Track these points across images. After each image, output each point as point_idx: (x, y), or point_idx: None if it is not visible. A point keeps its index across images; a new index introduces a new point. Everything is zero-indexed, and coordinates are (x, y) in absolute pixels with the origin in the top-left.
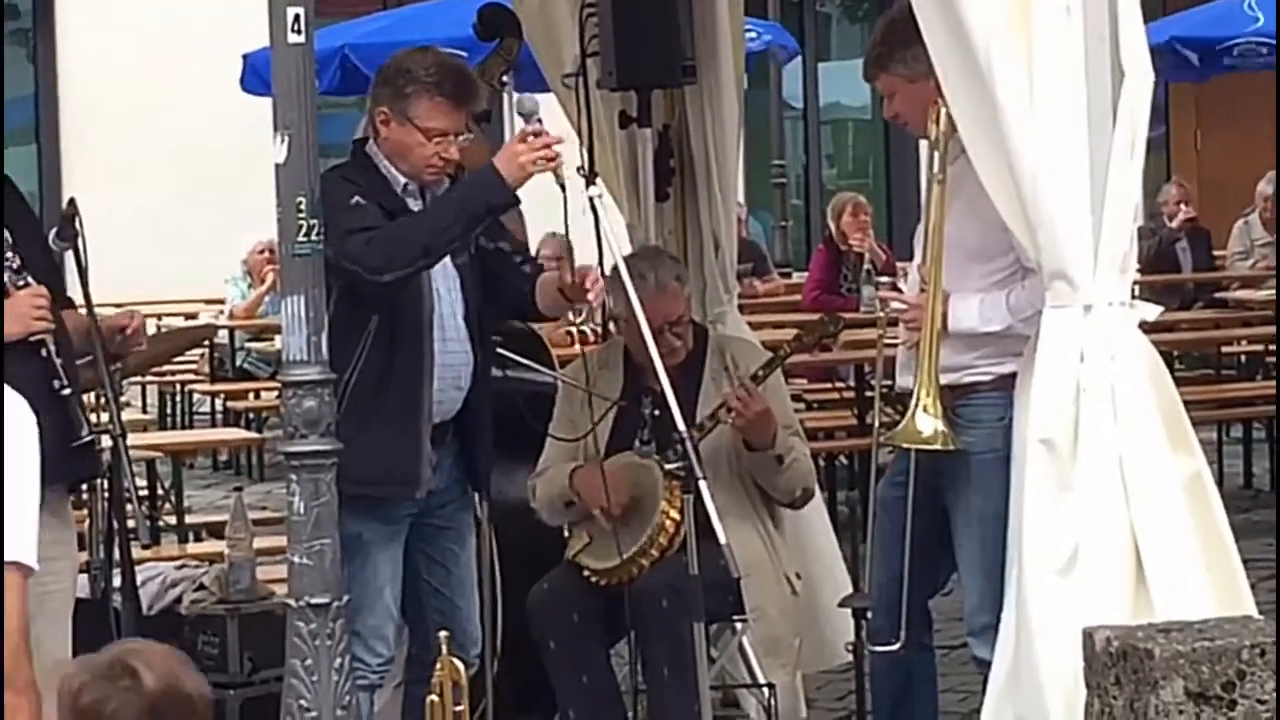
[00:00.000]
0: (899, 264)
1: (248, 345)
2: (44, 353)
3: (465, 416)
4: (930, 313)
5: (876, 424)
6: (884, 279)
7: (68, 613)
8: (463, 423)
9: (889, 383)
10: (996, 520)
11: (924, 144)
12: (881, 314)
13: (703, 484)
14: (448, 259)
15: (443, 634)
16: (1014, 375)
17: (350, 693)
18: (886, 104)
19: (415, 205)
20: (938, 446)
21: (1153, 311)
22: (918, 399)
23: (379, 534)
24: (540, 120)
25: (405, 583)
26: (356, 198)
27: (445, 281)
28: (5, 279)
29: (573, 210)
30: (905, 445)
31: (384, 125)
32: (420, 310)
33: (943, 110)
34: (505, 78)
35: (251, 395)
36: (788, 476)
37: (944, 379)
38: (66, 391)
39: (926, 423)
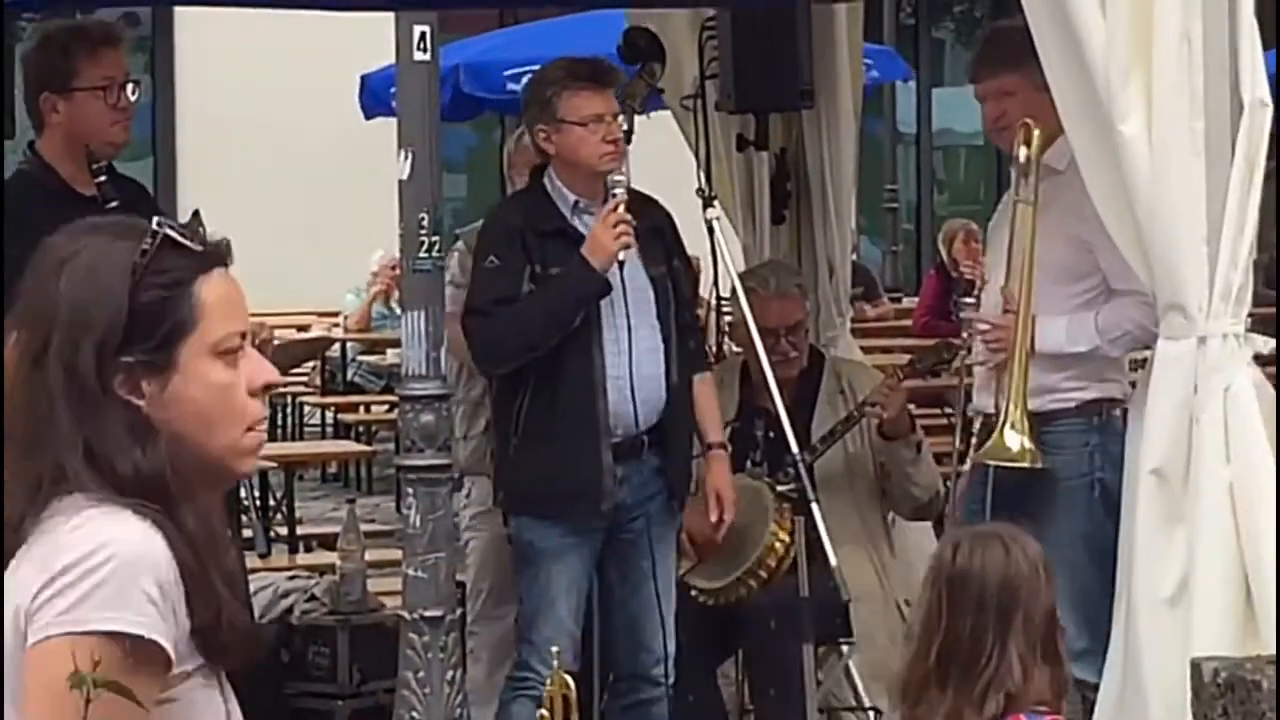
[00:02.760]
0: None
1: (359, 358)
2: None
3: (662, 429)
4: (1019, 332)
5: (956, 446)
6: (968, 300)
7: None
8: (660, 435)
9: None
10: (1086, 543)
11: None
12: (965, 338)
13: (814, 506)
14: (639, 266)
15: (554, 649)
16: (1098, 401)
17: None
18: (994, 104)
19: (584, 227)
20: (1025, 464)
21: (1267, 344)
22: (1006, 415)
23: (552, 545)
24: (623, 193)
25: (597, 596)
26: (492, 257)
27: (634, 293)
28: None
29: (693, 232)
30: (992, 462)
31: (547, 142)
32: (588, 326)
33: (1035, 131)
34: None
35: (362, 408)
36: (924, 469)
37: (1029, 404)
38: None
39: (1014, 439)
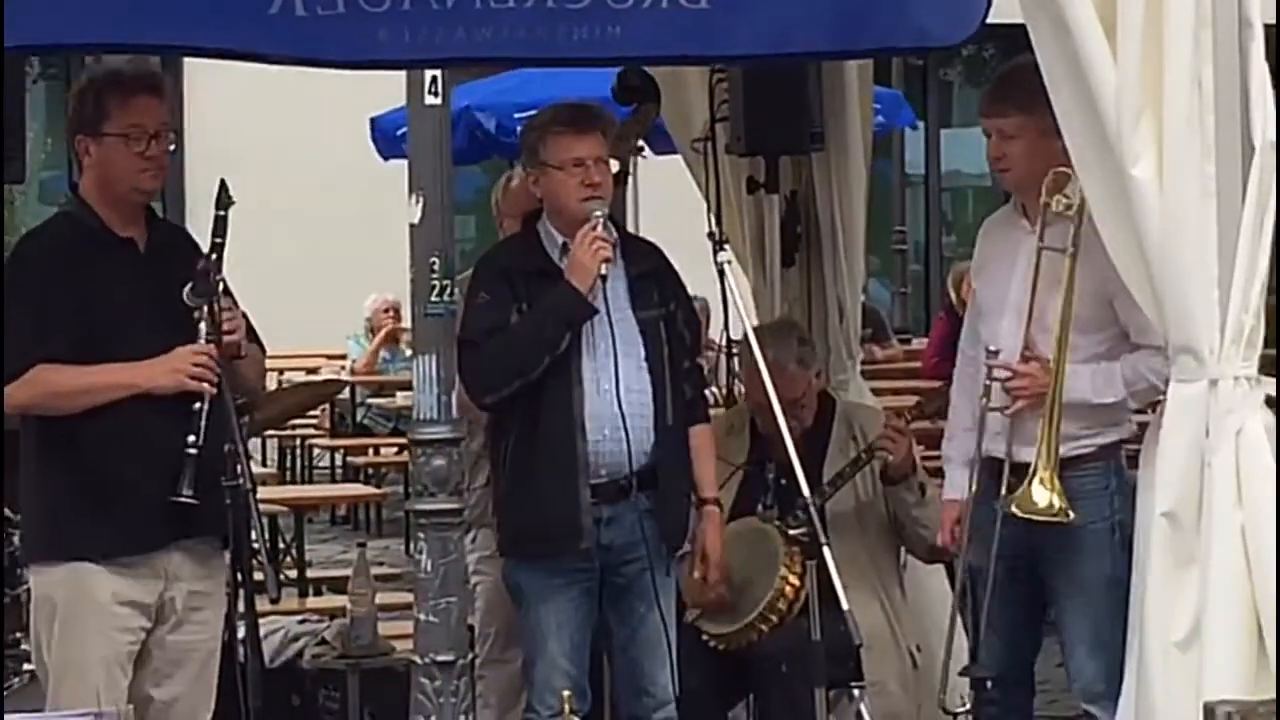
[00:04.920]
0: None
1: (369, 401)
2: (196, 405)
3: (652, 471)
4: (1054, 385)
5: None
6: (993, 349)
7: (212, 664)
8: (650, 477)
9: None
10: (1109, 587)
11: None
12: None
13: (826, 550)
14: (627, 309)
15: (565, 693)
16: (1116, 444)
17: None
18: (997, 143)
19: None
20: (1053, 518)
21: None
22: (1035, 471)
23: (539, 587)
24: (600, 217)
25: (597, 639)
26: (483, 293)
27: (622, 334)
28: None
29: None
30: (1020, 514)
31: (535, 185)
32: (568, 365)
33: (1073, 180)
34: (641, 142)
35: (371, 451)
36: (931, 511)
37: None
38: (193, 451)
39: (1042, 495)
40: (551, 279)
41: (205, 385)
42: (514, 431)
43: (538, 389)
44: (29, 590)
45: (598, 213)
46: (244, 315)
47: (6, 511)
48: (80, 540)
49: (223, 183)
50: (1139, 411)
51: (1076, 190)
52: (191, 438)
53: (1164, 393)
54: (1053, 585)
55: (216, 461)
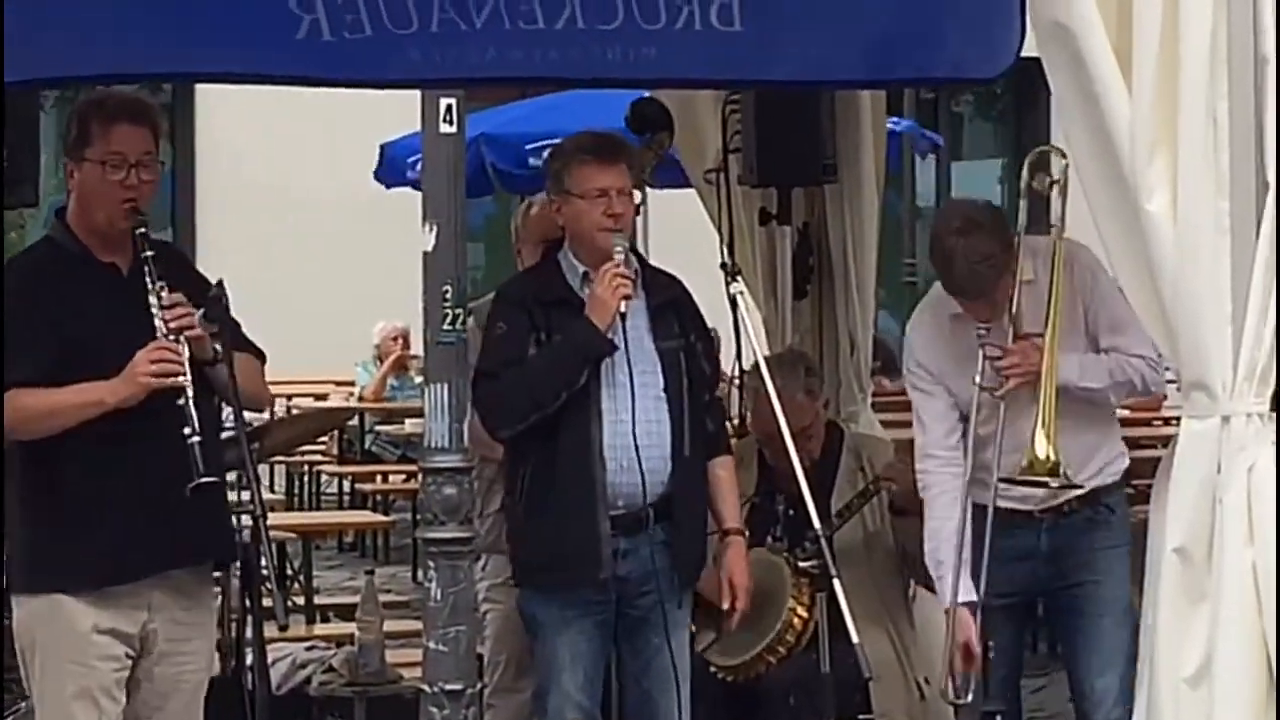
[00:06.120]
0: None
1: (377, 428)
2: (180, 401)
3: (669, 503)
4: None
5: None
6: (982, 328)
7: (199, 695)
8: (667, 509)
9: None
10: (1128, 612)
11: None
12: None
13: (836, 582)
14: (647, 340)
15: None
16: (1129, 469)
17: None
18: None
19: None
20: (1054, 480)
21: None
22: (1040, 423)
23: (553, 617)
24: (621, 252)
25: (611, 671)
26: (501, 324)
27: (639, 364)
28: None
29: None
30: (1028, 479)
31: (557, 213)
32: (587, 395)
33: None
34: (653, 171)
35: (379, 478)
36: None
37: (1072, 469)
38: (196, 439)
39: (1042, 446)
40: (571, 308)
41: (174, 378)
42: (532, 461)
43: (556, 419)
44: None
45: (619, 247)
46: (235, 323)
47: None
48: (60, 573)
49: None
50: (1149, 447)
51: (1061, 167)
52: (187, 429)
53: (1142, 393)
54: (1075, 611)
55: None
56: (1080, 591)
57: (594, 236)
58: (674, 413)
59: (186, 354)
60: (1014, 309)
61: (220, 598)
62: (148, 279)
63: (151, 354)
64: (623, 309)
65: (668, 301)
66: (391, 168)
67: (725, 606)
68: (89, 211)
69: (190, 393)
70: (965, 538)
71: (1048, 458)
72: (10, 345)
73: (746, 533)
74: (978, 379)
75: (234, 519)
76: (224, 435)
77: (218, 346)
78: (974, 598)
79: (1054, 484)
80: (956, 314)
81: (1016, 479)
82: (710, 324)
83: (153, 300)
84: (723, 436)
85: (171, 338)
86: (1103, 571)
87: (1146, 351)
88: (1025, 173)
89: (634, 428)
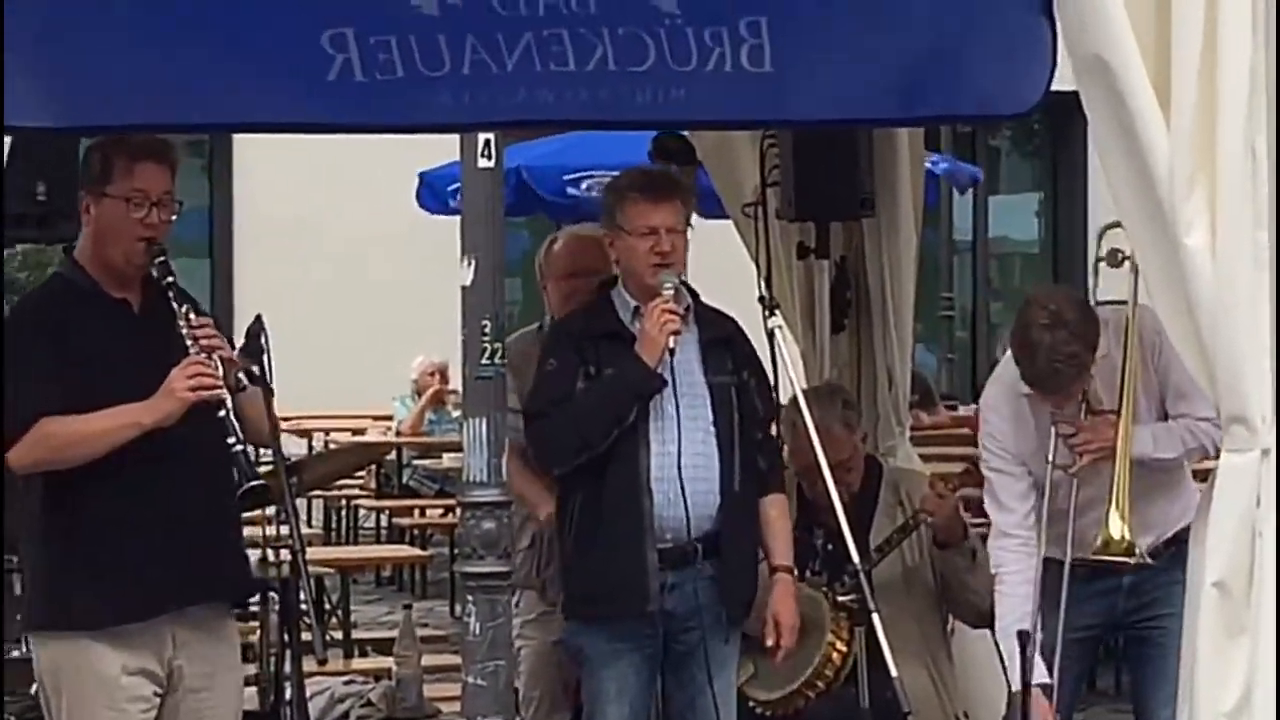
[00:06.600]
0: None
1: (414, 462)
2: (221, 413)
3: (717, 538)
4: (1121, 431)
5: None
6: (1057, 410)
7: None
8: (714, 544)
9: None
10: None
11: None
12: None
13: (875, 617)
14: (698, 374)
15: None
16: None
17: None
18: None
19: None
20: (1135, 559)
21: None
22: (1114, 503)
23: (600, 650)
24: (671, 289)
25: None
26: (551, 360)
27: (687, 397)
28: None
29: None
30: (1100, 558)
31: (611, 248)
32: (634, 428)
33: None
34: None
35: (417, 512)
36: (982, 575)
37: (1151, 537)
38: (239, 448)
39: (1117, 526)
40: (622, 341)
41: (213, 392)
42: (581, 493)
43: (606, 451)
44: (27, 656)
45: (668, 284)
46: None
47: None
48: (82, 611)
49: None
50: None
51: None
52: (230, 439)
53: (1214, 455)
54: (1149, 642)
55: (223, 522)
56: (1156, 623)
57: (643, 273)
58: (723, 448)
59: (220, 370)
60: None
61: (259, 632)
62: (173, 302)
63: (187, 370)
64: (671, 345)
65: (721, 338)
66: (432, 195)
67: (770, 644)
68: (105, 247)
69: (230, 404)
70: (1036, 620)
71: (1122, 538)
72: (29, 376)
73: (795, 571)
74: (1051, 456)
75: (272, 553)
76: (262, 469)
77: (241, 375)
78: (1048, 680)
79: (1130, 563)
80: (1028, 393)
81: (1091, 559)
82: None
83: (181, 321)
84: (775, 475)
85: (203, 355)
86: (1180, 604)
87: (1212, 413)
88: (1096, 246)
89: (679, 460)
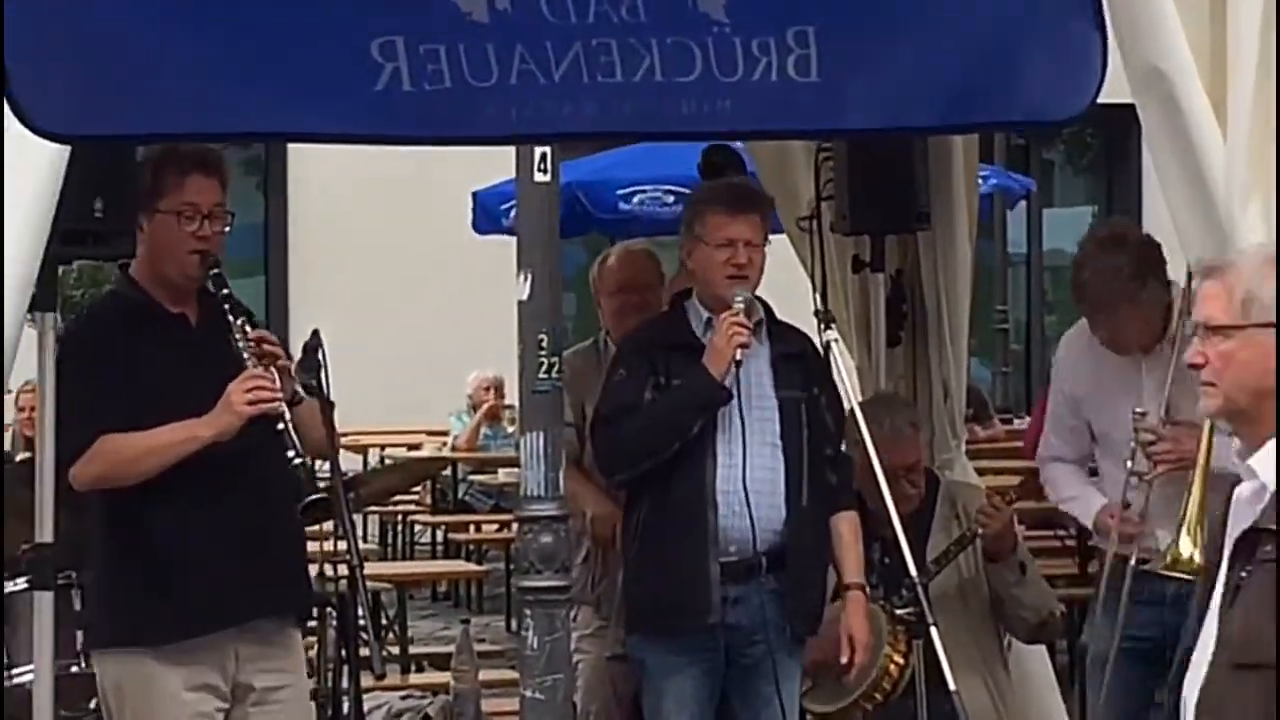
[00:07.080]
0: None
1: (470, 478)
2: (280, 427)
3: (782, 553)
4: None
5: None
6: (1140, 410)
7: None
8: (779, 559)
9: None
10: None
11: None
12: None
13: (933, 630)
14: (768, 388)
15: None
16: None
17: None
18: None
19: None
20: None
21: None
22: (1182, 525)
23: (662, 662)
24: (742, 302)
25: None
26: (621, 369)
27: (755, 410)
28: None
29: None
30: (1170, 574)
31: (688, 258)
32: (703, 439)
33: None
34: None
35: (473, 527)
36: (1033, 591)
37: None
38: (298, 462)
39: (1187, 547)
40: (692, 352)
41: (271, 404)
42: (646, 504)
43: (671, 462)
44: (86, 671)
45: (739, 298)
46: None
47: None
48: (145, 628)
49: (315, 332)
50: None
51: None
52: (290, 453)
53: None
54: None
55: (285, 535)
56: None
57: (718, 284)
58: (790, 463)
59: (278, 382)
60: (1168, 389)
61: (316, 647)
62: (229, 314)
63: (245, 384)
64: (739, 358)
65: (793, 354)
66: (485, 215)
67: (844, 660)
68: (159, 263)
69: (289, 417)
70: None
71: (1191, 559)
72: (89, 394)
73: (867, 588)
74: (1129, 463)
75: (330, 568)
76: (320, 485)
77: (298, 387)
78: (1104, 501)
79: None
80: (1094, 337)
81: (1159, 572)
82: None
83: (237, 333)
84: (846, 491)
85: (260, 368)
86: None
87: None
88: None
89: (744, 473)
